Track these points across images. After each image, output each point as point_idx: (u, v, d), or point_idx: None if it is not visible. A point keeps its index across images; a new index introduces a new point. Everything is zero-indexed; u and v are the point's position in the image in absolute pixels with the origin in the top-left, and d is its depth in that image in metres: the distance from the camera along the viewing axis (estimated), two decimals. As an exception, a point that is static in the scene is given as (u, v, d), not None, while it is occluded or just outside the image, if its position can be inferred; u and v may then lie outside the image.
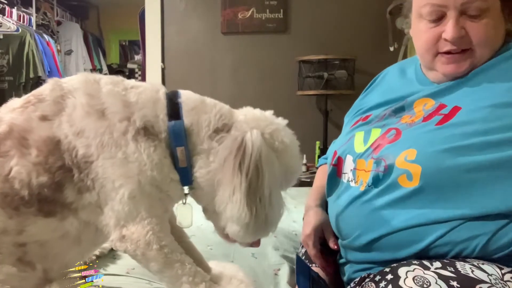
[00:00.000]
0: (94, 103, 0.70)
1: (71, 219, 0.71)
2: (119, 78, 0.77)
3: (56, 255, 0.74)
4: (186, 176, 0.75)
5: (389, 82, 0.95)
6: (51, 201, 0.68)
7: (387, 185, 0.73)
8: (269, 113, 0.79)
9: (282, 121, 0.79)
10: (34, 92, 0.74)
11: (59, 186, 0.68)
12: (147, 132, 0.72)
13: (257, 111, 0.79)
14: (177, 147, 0.73)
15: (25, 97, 0.73)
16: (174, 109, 0.74)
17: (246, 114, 0.77)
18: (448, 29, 0.75)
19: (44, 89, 0.73)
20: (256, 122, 0.75)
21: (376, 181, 0.75)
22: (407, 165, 0.71)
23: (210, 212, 0.78)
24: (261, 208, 0.71)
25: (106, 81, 0.74)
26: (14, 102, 0.73)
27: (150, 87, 0.76)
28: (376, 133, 0.82)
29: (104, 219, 0.72)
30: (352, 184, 0.82)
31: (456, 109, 0.73)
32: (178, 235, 0.83)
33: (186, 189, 0.76)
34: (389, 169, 0.74)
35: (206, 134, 0.74)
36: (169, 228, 0.77)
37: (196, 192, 0.77)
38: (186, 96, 0.77)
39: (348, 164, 0.85)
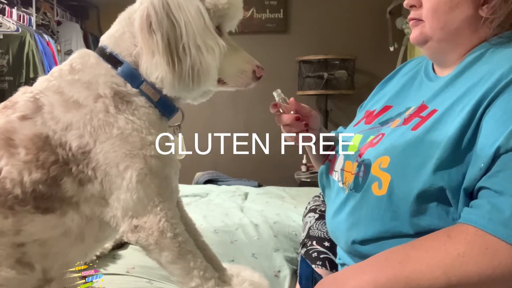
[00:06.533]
0: (66, 98, 0.70)
1: (72, 214, 0.70)
2: (57, 69, 0.76)
3: (57, 254, 0.72)
4: (165, 105, 0.75)
5: (403, 81, 0.92)
6: (48, 197, 0.67)
7: (364, 191, 0.73)
8: None
9: None
10: (9, 99, 0.74)
11: (55, 180, 0.67)
12: (121, 95, 0.72)
13: None
14: (140, 86, 0.73)
15: (2, 104, 0.73)
16: (112, 60, 0.74)
17: None
18: None
19: (16, 95, 0.74)
20: None
21: (357, 185, 0.76)
22: (380, 173, 0.71)
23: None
24: (186, 56, 0.69)
25: (56, 75, 0.74)
26: None
27: (82, 58, 0.75)
28: (370, 139, 0.82)
29: (110, 211, 0.70)
30: (340, 185, 0.82)
31: (433, 112, 0.71)
32: (192, 233, 0.82)
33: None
34: (366, 175, 0.74)
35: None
36: (179, 214, 0.76)
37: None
38: (106, 41, 0.76)
39: (339, 163, 0.85)
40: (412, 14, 0.79)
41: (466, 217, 0.59)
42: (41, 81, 0.74)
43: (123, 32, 0.75)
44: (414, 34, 0.79)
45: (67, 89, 0.71)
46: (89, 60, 0.74)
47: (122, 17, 0.77)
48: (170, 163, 0.75)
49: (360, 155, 0.78)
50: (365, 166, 0.75)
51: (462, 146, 0.62)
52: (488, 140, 0.59)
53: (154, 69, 0.69)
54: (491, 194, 0.58)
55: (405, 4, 0.80)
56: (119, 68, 0.73)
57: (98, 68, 0.73)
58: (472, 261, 0.55)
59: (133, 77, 0.73)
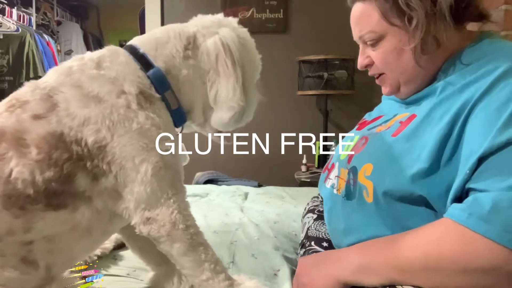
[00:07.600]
0: (85, 92, 0.70)
1: (83, 208, 0.70)
2: (80, 59, 0.76)
3: (63, 249, 0.73)
4: (179, 115, 0.80)
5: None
6: (61, 194, 0.68)
7: (358, 198, 0.75)
8: (219, 15, 0.86)
9: (232, 19, 0.86)
10: (14, 95, 0.72)
11: (68, 177, 0.67)
12: (146, 95, 0.74)
13: (205, 17, 0.86)
14: (164, 93, 0.77)
15: (6, 101, 0.72)
16: (143, 62, 0.77)
17: (197, 24, 0.84)
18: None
19: (24, 92, 0.72)
20: (213, 25, 0.82)
21: (349, 192, 0.77)
22: (365, 181, 0.73)
23: (205, 121, 0.85)
24: (247, 96, 0.80)
25: (77, 69, 0.73)
26: None
27: (112, 55, 0.77)
28: (355, 140, 0.83)
29: (123, 203, 0.71)
30: (335, 192, 0.83)
31: (412, 117, 0.72)
32: None
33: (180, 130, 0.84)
34: (356, 183, 0.75)
35: (180, 60, 0.79)
36: (190, 207, 0.77)
37: (192, 116, 0.84)
38: (142, 43, 0.79)
39: (335, 171, 0.86)
40: (371, 71, 0.82)
41: (449, 211, 0.61)
42: (55, 76, 0.73)
43: (167, 41, 0.79)
44: (385, 90, 0.82)
45: (88, 83, 0.71)
46: (119, 58, 0.76)
47: (170, 28, 0.82)
48: (180, 157, 0.78)
49: (348, 161, 0.80)
50: (353, 174, 0.76)
51: (443, 156, 0.64)
52: (472, 147, 0.61)
53: (232, 94, 0.77)
54: (476, 193, 0.59)
55: (358, 67, 0.83)
56: (151, 70, 0.76)
57: (127, 66, 0.75)
58: (448, 246, 0.58)
59: (162, 82, 0.76)
